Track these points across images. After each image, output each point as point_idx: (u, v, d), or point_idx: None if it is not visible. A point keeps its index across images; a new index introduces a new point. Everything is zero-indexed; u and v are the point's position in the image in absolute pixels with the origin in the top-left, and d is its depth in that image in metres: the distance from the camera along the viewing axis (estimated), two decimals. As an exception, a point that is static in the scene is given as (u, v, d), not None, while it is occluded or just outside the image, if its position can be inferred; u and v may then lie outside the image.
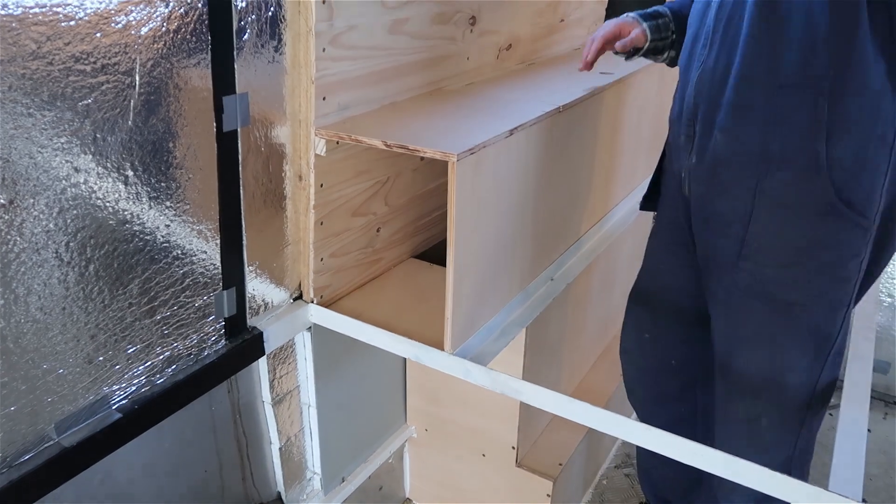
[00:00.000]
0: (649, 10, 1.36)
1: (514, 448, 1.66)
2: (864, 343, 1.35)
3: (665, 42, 1.35)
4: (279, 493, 1.50)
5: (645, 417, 1.57)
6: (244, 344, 1.22)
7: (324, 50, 1.13)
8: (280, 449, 1.44)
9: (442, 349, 1.20)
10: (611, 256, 1.97)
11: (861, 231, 1.10)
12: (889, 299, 2.27)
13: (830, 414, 2.34)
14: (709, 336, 1.32)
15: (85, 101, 0.84)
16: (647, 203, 1.45)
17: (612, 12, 2.13)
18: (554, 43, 1.88)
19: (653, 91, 1.83)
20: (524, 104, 1.35)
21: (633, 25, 1.33)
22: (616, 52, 1.36)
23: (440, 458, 1.82)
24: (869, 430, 2.31)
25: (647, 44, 1.33)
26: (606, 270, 1.96)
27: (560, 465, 1.69)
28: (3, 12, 0.73)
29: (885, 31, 1.00)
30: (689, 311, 1.39)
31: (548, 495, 1.65)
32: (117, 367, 1.02)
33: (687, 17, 1.27)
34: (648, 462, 1.66)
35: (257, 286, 1.24)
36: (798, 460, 1.27)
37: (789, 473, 0.96)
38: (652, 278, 1.47)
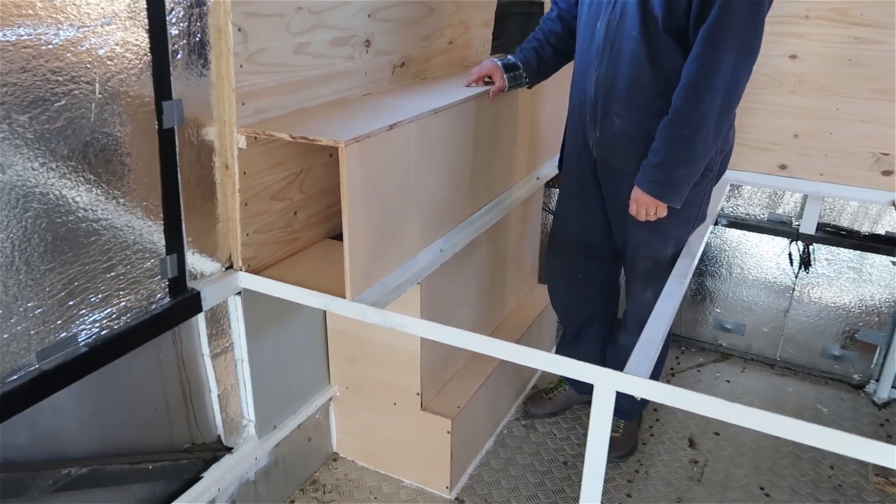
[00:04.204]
0: (509, 61, 1.95)
1: (418, 394, 1.99)
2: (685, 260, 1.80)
3: (520, 86, 1.98)
4: (219, 436, 1.80)
5: (563, 318, 2.30)
6: (185, 301, 1.54)
7: (241, 66, 1.46)
8: (219, 396, 1.74)
9: (345, 298, 1.54)
10: (498, 243, 2.33)
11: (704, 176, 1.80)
12: (740, 270, 2.69)
13: (698, 370, 2.75)
14: (603, 257, 2.06)
15: (59, 103, 1.16)
16: (560, 167, 2.10)
17: (498, 33, 2.53)
18: (446, 62, 2.26)
19: (526, 103, 2.22)
20: (407, 108, 1.70)
21: (498, 75, 1.92)
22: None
23: (360, 413, 2.13)
24: (728, 381, 2.74)
25: (507, 89, 1.95)
26: (495, 255, 2.32)
27: (458, 407, 2.03)
28: (3, 39, 1.04)
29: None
30: (589, 242, 2.06)
31: (447, 432, 1.98)
32: (83, 310, 1.32)
33: (535, 68, 1.95)
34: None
35: (195, 255, 1.55)
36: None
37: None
38: (561, 221, 2.12)
